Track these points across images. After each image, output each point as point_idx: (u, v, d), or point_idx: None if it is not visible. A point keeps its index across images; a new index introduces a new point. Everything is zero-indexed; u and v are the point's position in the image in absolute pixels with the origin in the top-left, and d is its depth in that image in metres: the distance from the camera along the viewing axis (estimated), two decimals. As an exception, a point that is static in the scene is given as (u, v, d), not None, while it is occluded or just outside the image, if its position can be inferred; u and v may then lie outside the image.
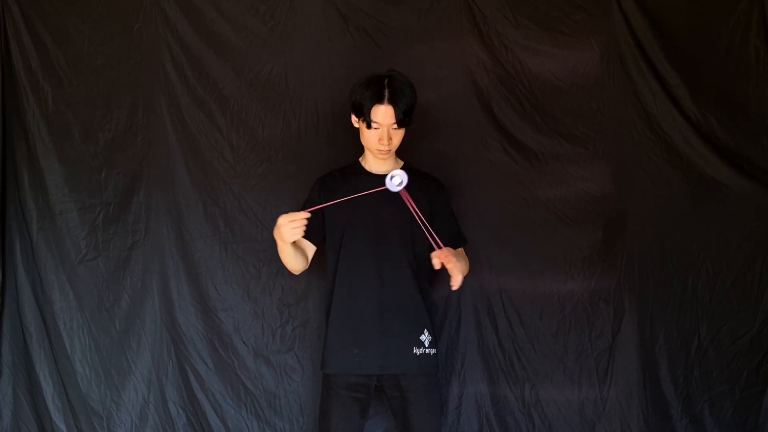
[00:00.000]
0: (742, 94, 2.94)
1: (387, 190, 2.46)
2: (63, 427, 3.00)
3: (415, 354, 2.58)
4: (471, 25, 3.00)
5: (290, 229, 2.42)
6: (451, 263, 2.39)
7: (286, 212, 2.92)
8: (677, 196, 2.94)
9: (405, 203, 2.63)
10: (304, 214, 2.42)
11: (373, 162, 2.68)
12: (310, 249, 2.69)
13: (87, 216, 3.02)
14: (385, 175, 2.48)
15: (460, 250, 2.73)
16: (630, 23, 2.94)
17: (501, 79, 3.00)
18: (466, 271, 2.61)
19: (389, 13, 3.02)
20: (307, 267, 2.67)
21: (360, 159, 2.73)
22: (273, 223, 2.95)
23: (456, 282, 2.40)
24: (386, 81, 2.50)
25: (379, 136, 2.54)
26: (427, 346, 2.61)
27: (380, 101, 2.49)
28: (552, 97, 2.99)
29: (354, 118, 2.59)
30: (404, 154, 2.73)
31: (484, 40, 3.00)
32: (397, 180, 2.42)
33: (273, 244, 2.97)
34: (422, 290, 2.64)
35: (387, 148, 2.56)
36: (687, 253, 2.94)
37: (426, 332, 2.62)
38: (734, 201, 2.90)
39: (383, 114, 2.50)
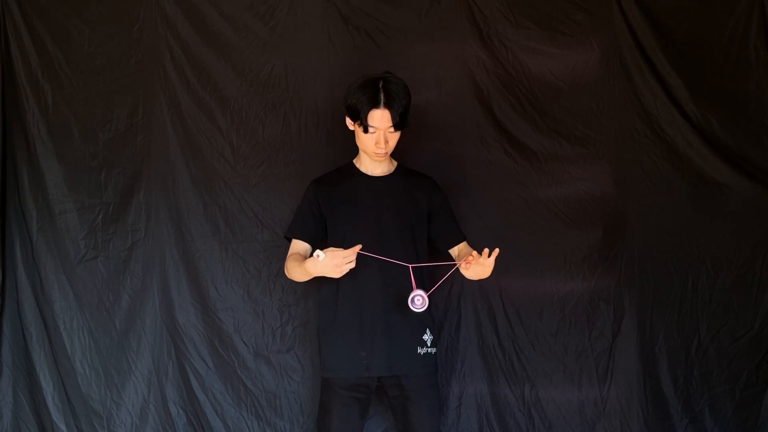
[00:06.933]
0: (742, 94, 2.94)
1: (384, 189, 2.59)
2: (63, 427, 3.00)
3: (419, 354, 2.59)
4: (471, 25, 3.00)
5: (344, 266, 2.40)
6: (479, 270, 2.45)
7: (286, 212, 2.96)
8: (677, 196, 2.94)
9: (405, 203, 2.64)
10: (353, 251, 2.40)
11: (368, 163, 2.68)
12: (306, 251, 2.69)
13: (86, 216, 3.01)
14: (380, 177, 2.63)
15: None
16: (630, 23, 2.95)
17: (501, 79, 3.00)
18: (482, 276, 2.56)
19: (389, 13, 3.02)
20: None
21: (354, 160, 2.72)
22: (273, 223, 3.00)
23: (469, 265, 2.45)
24: (381, 84, 2.50)
25: (376, 140, 2.54)
26: (429, 345, 2.62)
27: (376, 105, 2.49)
28: (552, 97, 2.99)
29: (349, 121, 2.59)
30: (404, 154, 2.74)
31: (484, 40, 3.00)
32: (418, 301, 2.47)
33: (273, 244, 3.00)
34: (423, 289, 2.63)
35: (384, 150, 2.56)
36: (687, 253, 2.94)
37: (428, 331, 2.63)
38: (734, 201, 2.91)
39: (380, 118, 2.50)
